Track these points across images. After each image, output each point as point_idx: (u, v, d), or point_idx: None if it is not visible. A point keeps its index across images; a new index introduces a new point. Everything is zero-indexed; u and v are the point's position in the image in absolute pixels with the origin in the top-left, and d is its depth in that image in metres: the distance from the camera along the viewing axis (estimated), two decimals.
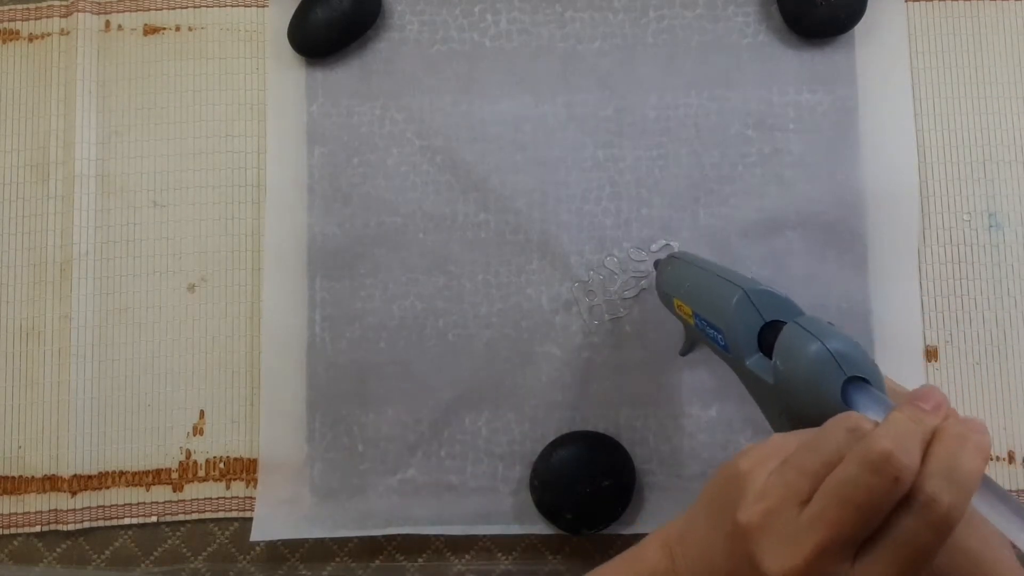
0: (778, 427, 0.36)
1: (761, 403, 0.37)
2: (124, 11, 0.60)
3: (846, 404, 0.31)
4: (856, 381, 0.31)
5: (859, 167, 0.58)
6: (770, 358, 0.35)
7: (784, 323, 0.35)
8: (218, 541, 0.56)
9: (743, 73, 0.59)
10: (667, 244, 0.57)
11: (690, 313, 0.44)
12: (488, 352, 0.56)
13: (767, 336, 0.37)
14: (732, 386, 0.42)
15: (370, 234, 0.58)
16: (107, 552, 0.55)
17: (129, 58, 0.60)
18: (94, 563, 0.55)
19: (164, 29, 0.60)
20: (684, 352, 0.51)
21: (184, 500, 0.56)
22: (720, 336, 0.39)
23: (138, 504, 0.56)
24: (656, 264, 0.52)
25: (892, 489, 0.25)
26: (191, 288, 0.58)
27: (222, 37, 0.60)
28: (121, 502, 0.56)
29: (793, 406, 0.33)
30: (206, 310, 0.58)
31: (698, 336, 0.44)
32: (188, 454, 0.56)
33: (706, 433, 0.56)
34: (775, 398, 0.35)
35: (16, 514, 0.55)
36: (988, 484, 0.26)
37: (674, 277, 0.47)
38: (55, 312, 0.57)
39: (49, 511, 0.55)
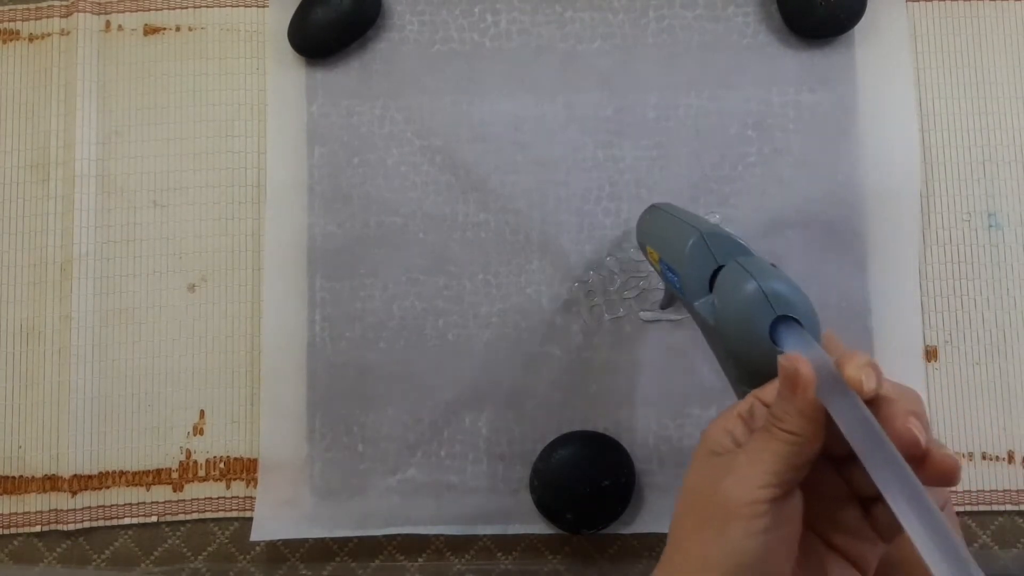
0: (726, 370, 0.36)
1: (712, 346, 0.37)
2: (124, 11, 0.60)
3: (774, 343, 0.31)
4: (786, 321, 0.31)
5: (859, 167, 0.58)
6: None
7: None
8: (218, 541, 0.56)
9: (743, 73, 0.59)
10: None
11: (657, 259, 0.44)
12: (488, 352, 0.56)
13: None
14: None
15: (370, 234, 0.58)
16: (107, 552, 0.55)
17: (129, 58, 0.60)
18: (94, 563, 0.55)
19: (164, 29, 0.60)
20: (664, 305, 0.54)
21: (184, 500, 0.56)
22: (677, 279, 0.39)
23: (138, 504, 0.56)
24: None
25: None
26: (191, 288, 0.58)
27: (222, 37, 0.60)
28: (121, 502, 0.56)
29: (729, 345, 0.33)
30: (206, 310, 0.58)
31: (670, 286, 0.44)
32: (188, 454, 0.56)
33: None
34: (717, 338, 0.35)
35: (16, 514, 0.55)
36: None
37: (646, 224, 0.48)
38: (55, 312, 0.57)
39: (49, 511, 0.55)
